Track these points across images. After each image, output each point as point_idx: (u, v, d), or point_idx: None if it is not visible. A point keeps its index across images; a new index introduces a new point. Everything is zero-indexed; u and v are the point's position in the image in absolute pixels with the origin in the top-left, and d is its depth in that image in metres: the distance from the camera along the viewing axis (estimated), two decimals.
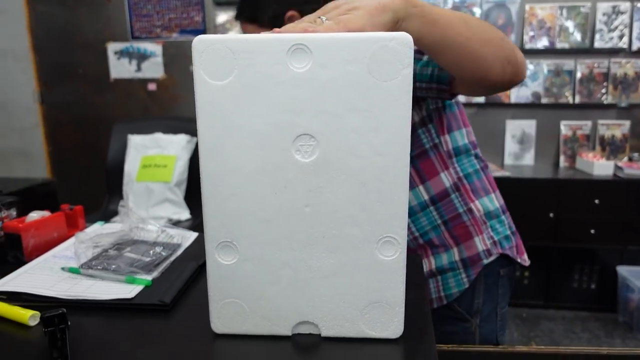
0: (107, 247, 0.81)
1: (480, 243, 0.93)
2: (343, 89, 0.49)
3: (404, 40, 0.48)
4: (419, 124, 0.92)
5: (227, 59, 0.50)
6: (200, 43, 0.50)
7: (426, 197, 0.93)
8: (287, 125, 0.51)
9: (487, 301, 0.95)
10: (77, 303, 0.67)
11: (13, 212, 0.86)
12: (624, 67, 2.62)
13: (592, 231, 2.43)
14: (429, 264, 0.95)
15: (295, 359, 0.56)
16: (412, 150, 0.93)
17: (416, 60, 0.83)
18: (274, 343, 0.58)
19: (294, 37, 0.49)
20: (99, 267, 0.74)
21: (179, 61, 3.01)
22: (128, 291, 0.69)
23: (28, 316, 0.62)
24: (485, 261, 0.92)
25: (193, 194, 2.27)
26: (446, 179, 0.93)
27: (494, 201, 0.97)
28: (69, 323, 0.55)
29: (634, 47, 2.58)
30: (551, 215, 2.44)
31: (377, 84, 0.49)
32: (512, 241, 0.98)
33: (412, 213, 0.93)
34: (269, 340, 0.59)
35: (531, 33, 2.62)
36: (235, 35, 0.51)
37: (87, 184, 3.15)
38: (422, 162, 0.93)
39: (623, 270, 2.40)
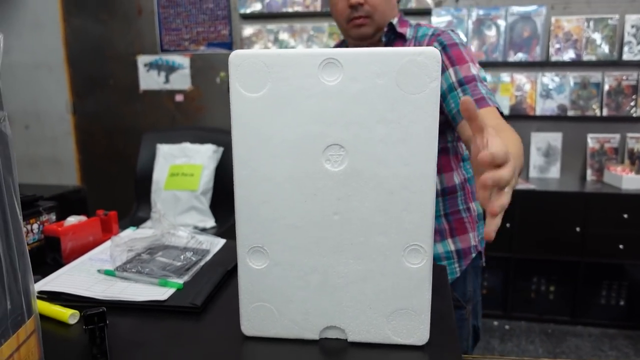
0: (141, 251, 0.85)
1: (473, 239, 1.05)
2: (372, 101, 0.51)
3: (431, 55, 0.50)
4: (445, 123, 0.98)
5: (261, 73, 0.53)
6: (236, 58, 0.53)
7: (438, 187, 1.01)
8: (317, 136, 0.53)
9: (475, 289, 1.07)
10: (113, 304, 0.70)
11: (53, 217, 0.90)
12: None
13: (621, 246, 2.37)
14: None
15: None
16: (449, 142, 1.05)
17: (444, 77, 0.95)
18: (302, 347, 0.60)
19: (325, 51, 0.51)
20: (133, 270, 0.77)
21: (205, 73, 3.08)
22: (161, 293, 0.71)
23: (68, 315, 0.65)
24: (473, 255, 1.06)
25: (218, 202, 2.31)
26: (456, 177, 1.04)
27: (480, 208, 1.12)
28: (107, 322, 0.58)
29: None
30: (578, 229, 2.40)
31: (405, 97, 0.51)
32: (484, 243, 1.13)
33: None
34: (296, 343, 0.60)
35: (557, 45, 2.60)
36: (269, 50, 0.53)
37: (115, 191, 3.23)
38: (442, 156, 1.03)
39: None
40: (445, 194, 1.03)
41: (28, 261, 0.47)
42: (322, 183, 0.54)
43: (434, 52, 0.50)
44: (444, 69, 0.94)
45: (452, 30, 1.01)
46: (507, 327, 2.50)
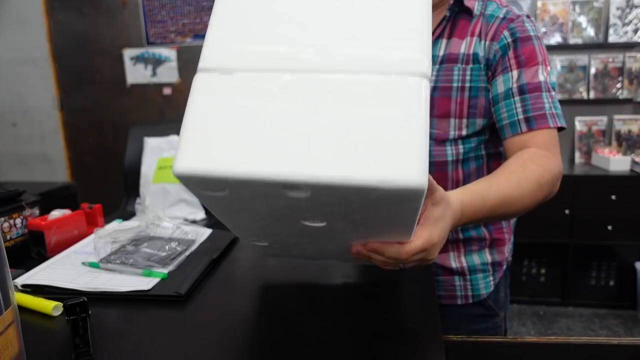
0: (125, 243, 0.85)
1: (508, 250, 0.99)
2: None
3: (411, 192, 0.43)
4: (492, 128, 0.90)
5: (219, 185, 0.46)
6: (182, 178, 0.45)
7: None
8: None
9: (506, 294, 1.02)
10: (97, 295, 0.70)
11: (36, 211, 0.90)
12: (639, 61, 2.58)
13: (609, 227, 2.40)
14: (458, 261, 0.94)
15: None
16: (489, 147, 0.92)
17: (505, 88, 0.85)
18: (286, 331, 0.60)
19: (289, 175, 0.43)
20: (117, 262, 0.77)
21: (193, 65, 3.03)
22: (145, 283, 0.72)
23: (51, 307, 0.66)
24: (505, 267, 1.00)
25: None
26: None
27: None
28: (90, 312, 0.58)
29: None
30: (567, 212, 2.42)
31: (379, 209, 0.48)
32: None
33: None
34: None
35: (543, 29, 2.61)
36: (222, 169, 0.44)
37: (106, 186, 3.22)
38: (493, 160, 0.93)
39: None
40: None
41: (4, 254, 0.47)
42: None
43: (414, 189, 0.42)
44: (506, 68, 0.84)
45: (528, 17, 0.87)
46: None
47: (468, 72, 0.86)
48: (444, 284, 0.95)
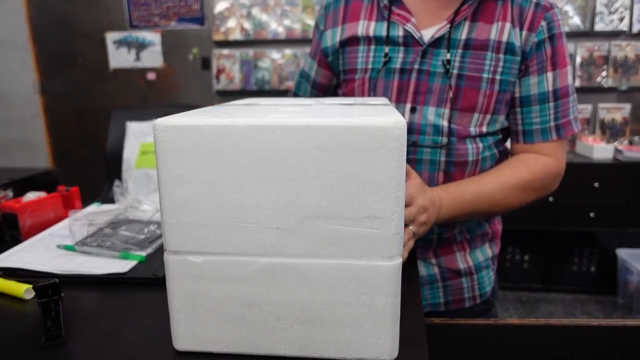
0: (103, 226, 0.83)
1: (499, 241, 0.99)
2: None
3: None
4: (505, 130, 0.87)
5: None
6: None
7: None
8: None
9: (496, 280, 1.00)
10: (72, 278, 0.69)
11: (10, 193, 0.87)
12: (624, 49, 2.60)
13: (592, 214, 2.43)
14: (465, 261, 0.91)
15: None
16: (499, 145, 0.87)
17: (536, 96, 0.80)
18: None
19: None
20: (93, 244, 0.75)
21: (177, 50, 3.01)
22: (122, 266, 0.70)
23: (23, 290, 0.64)
24: (497, 259, 0.99)
25: None
26: None
27: None
28: (63, 294, 0.56)
29: (635, 30, 2.55)
30: (550, 199, 2.45)
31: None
32: None
33: None
34: None
35: None
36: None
37: (88, 173, 3.16)
38: (504, 159, 0.90)
39: (622, 253, 2.40)
40: None
41: None
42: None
43: None
44: (543, 69, 0.78)
45: (556, 5, 0.80)
46: None
47: (501, 64, 0.78)
48: (452, 288, 0.91)
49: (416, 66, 0.80)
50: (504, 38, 0.77)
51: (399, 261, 0.46)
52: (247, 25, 2.85)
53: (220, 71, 2.93)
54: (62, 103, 3.20)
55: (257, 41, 2.89)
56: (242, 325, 0.49)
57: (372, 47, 0.84)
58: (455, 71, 0.78)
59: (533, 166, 0.81)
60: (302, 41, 2.87)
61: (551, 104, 0.80)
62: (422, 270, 0.89)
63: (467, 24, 0.78)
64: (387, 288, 0.46)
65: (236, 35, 2.86)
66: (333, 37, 0.88)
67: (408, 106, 0.82)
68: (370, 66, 0.84)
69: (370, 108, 0.54)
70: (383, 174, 0.43)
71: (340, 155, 0.43)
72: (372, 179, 0.43)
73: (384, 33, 0.82)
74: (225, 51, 2.91)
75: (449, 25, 0.78)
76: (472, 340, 0.83)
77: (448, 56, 0.78)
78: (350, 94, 0.90)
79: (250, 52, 2.89)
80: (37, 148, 3.28)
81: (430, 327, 0.81)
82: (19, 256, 0.74)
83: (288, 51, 2.87)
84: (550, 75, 0.79)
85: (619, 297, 2.47)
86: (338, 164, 0.43)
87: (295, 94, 1.03)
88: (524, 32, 0.77)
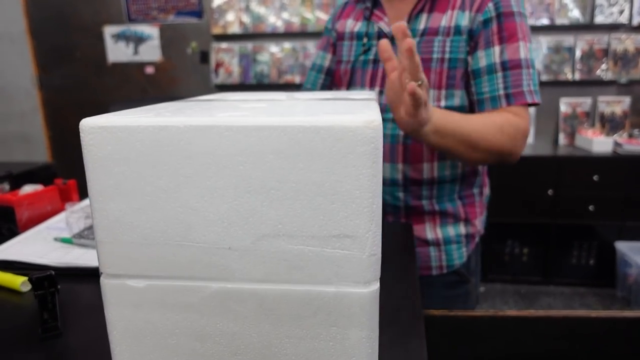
0: None
1: (480, 223, 1.02)
2: None
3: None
4: (468, 107, 0.93)
5: None
6: None
7: (460, 170, 0.96)
8: None
9: (477, 262, 1.06)
10: (69, 271, 0.68)
11: (6, 186, 0.87)
12: (624, 42, 2.59)
13: (591, 208, 2.43)
14: (434, 232, 0.97)
15: None
16: None
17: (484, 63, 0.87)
18: None
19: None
20: (90, 237, 0.75)
21: (176, 44, 2.99)
22: None
23: (19, 282, 0.63)
24: (477, 239, 1.03)
25: None
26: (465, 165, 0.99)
27: (489, 192, 1.08)
28: (59, 287, 0.56)
29: (635, 22, 2.54)
30: (550, 192, 2.44)
31: None
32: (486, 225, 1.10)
33: (444, 180, 0.95)
34: None
35: (530, 10, 2.59)
36: None
37: None
38: None
39: (621, 245, 2.41)
40: (465, 177, 0.97)
41: None
42: None
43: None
44: (489, 43, 0.86)
45: None
46: (482, 289, 2.56)
47: (448, 44, 0.89)
48: (420, 255, 0.98)
49: None
50: (452, 23, 0.89)
51: (375, 287, 0.39)
52: (246, 18, 2.83)
53: (219, 65, 2.92)
54: (60, 97, 3.19)
55: (255, 35, 2.88)
56: None
57: (354, 42, 1.00)
58: None
59: (501, 115, 0.86)
60: (300, 35, 2.85)
61: (499, 74, 0.86)
62: None
63: (424, 15, 0.91)
64: (361, 319, 0.40)
65: (235, 29, 2.85)
66: (333, 34, 1.07)
67: (376, 89, 0.95)
68: (352, 58, 1.00)
69: (346, 104, 0.48)
70: (354, 184, 0.36)
71: (302, 161, 0.36)
72: (340, 190, 0.37)
73: (364, 30, 0.98)
74: (224, 45, 2.90)
75: (407, 18, 0.92)
76: (470, 332, 0.83)
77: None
78: (338, 83, 1.05)
79: (249, 45, 2.88)
80: (36, 142, 3.28)
81: (428, 319, 0.81)
82: (15, 249, 0.73)
83: (287, 45, 2.86)
84: (497, 48, 0.86)
85: (617, 290, 2.47)
86: (300, 173, 0.37)
87: (305, 88, 1.13)
88: (472, 14, 0.88)
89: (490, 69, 0.87)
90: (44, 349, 0.52)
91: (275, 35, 2.87)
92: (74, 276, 0.68)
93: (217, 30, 2.86)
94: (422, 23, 0.91)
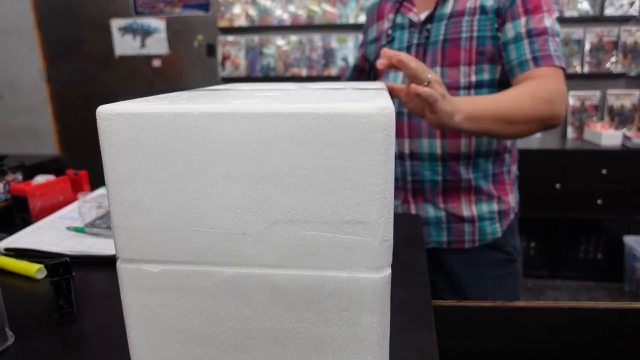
0: None
1: (511, 201, 1.06)
2: None
3: None
4: (504, 74, 0.96)
5: None
6: None
7: (496, 147, 1.00)
8: None
9: (517, 242, 1.10)
10: (83, 259, 0.69)
11: (19, 176, 0.88)
12: (634, 35, 2.56)
13: (599, 201, 2.42)
14: (469, 210, 1.02)
15: None
16: None
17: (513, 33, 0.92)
18: None
19: None
20: (103, 226, 0.76)
21: (183, 37, 3.00)
22: None
23: (35, 269, 0.64)
24: (512, 216, 1.06)
25: None
26: (500, 142, 1.03)
27: (517, 172, 1.12)
28: (74, 274, 0.57)
29: None
30: (558, 186, 2.43)
31: None
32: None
33: (479, 155, 0.99)
34: None
35: None
36: None
37: (96, 160, 3.17)
38: None
39: (630, 240, 2.39)
40: (498, 154, 1.01)
41: None
42: None
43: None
44: (515, 16, 0.91)
45: None
46: None
47: (475, 23, 0.94)
48: (455, 231, 1.03)
49: (414, 41, 1.00)
50: (477, 3, 0.94)
51: (387, 273, 0.40)
52: (252, 11, 2.83)
53: (225, 58, 2.92)
54: (68, 90, 3.21)
55: (262, 27, 2.87)
56: (207, 344, 0.44)
57: (384, 36, 1.06)
58: (440, 37, 0.96)
59: (530, 83, 0.88)
60: (307, 27, 2.85)
61: (525, 41, 0.90)
62: (431, 212, 1.03)
63: (450, 1, 0.97)
64: (373, 304, 0.40)
65: (241, 22, 2.84)
66: (370, 34, 1.13)
67: None
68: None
69: (358, 92, 0.48)
70: (367, 170, 0.37)
71: (316, 148, 0.37)
72: (353, 176, 0.37)
73: (393, 21, 1.05)
74: (231, 38, 2.90)
75: (434, 6, 0.98)
76: (479, 322, 0.83)
77: (429, 27, 0.98)
78: (377, 75, 1.11)
79: (256, 38, 2.88)
80: (45, 135, 3.30)
81: (437, 309, 0.81)
82: (29, 238, 0.75)
83: (293, 37, 2.85)
84: (523, 19, 0.91)
85: (625, 284, 2.47)
86: (313, 159, 0.37)
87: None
88: None
89: (517, 38, 0.91)
90: (61, 334, 0.53)
91: (281, 28, 2.87)
92: (87, 264, 0.69)
93: (223, 23, 2.86)
94: (448, 7, 0.96)
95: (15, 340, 0.51)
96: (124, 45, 3.07)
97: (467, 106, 0.78)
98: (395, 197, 1.05)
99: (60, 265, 0.56)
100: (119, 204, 0.40)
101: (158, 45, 3.04)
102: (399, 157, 1.03)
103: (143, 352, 0.45)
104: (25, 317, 0.57)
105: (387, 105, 0.36)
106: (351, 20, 2.76)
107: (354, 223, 0.38)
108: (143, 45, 3.05)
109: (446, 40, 0.96)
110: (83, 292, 0.61)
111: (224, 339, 0.43)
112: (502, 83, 0.97)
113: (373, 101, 0.37)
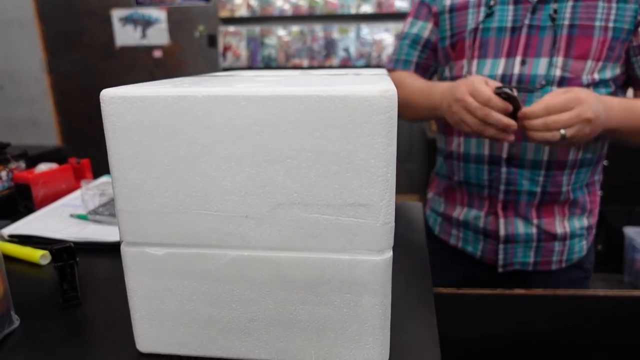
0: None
1: (597, 212, 0.98)
2: None
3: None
4: (624, 81, 0.86)
5: None
6: None
7: (599, 153, 0.91)
8: None
9: (593, 260, 1.01)
10: (86, 245, 0.70)
11: (22, 164, 0.88)
12: None
13: (600, 193, 2.41)
14: (563, 226, 0.91)
15: None
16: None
17: None
18: None
19: None
20: (106, 213, 0.76)
21: (183, 27, 2.99)
22: None
23: (39, 255, 0.65)
24: (594, 231, 0.98)
25: None
26: (605, 146, 0.93)
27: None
28: (78, 260, 0.58)
29: None
30: None
31: None
32: None
33: (586, 163, 0.88)
34: None
35: None
36: None
37: (97, 151, 3.18)
38: None
39: (630, 231, 2.40)
40: (593, 162, 0.90)
41: None
42: None
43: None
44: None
45: None
46: None
47: (613, 12, 0.78)
48: (544, 250, 0.92)
49: (526, 22, 0.82)
50: None
51: (388, 255, 0.40)
52: (253, 1, 2.82)
53: (226, 48, 2.91)
54: (69, 81, 3.21)
55: (263, 18, 2.86)
56: (211, 325, 0.44)
57: (482, 8, 0.86)
58: (566, 22, 0.79)
59: None
60: (308, 18, 2.84)
61: None
62: (521, 228, 0.90)
63: None
64: (374, 287, 0.41)
65: (242, 12, 2.83)
66: (442, 2, 0.91)
67: (518, 59, 0.83)
68: (481, 26, 0.86)
69: (361, 77, 0.48)
70: (369, 153, 0.37)
71: (318, 131, 0.37)
72: (355, 159, 0.37)
73: None
74: (232, 28, 2.89)
75: None
76: (479, 310, 0.84)
77: (555, 6, 0.80)
78: (460, 56, 0.89)
79: (257, 29, 2.87)
80: (46, 126, 3.30)
81: (437, 297, 0.82)
82: (33, 225, 0.75)
83: (295, 28, 2.84)
84: None
85: (625, 276, 2.47)
86: (316, 142, 0.37)
87: (398, 60, 1.00)
88: None
89: None
90: (65, 317, 0.54)
91: (283, 19, 2.86)
92: (90, 250, 0.69)
93: (224, 14, 2.85)
94: None
95: (20, 324, 0.52)
96: (125, 35, 3.06)
97: (604, 123, 0.73)
98: (478, 206, 0.93)
99: (64, 250, 0.56)
100: (123, 187, 0.41)
101: (159, 35, 3.03)
102: (491, 161, 0.87)
103: (147, 334, 0.46)
104: (30, 302, 0.58)
105: (389, 88, 0.36)
106: (353, 11, 2.74)
107: (356, 205, 0.38)
108: (144, 35, 3.04)
109: (574, 27, 0.79)
110: (86, 278, 0.62)
111: (227, 321, 0.44)
112: (617, 81, 0.84)
113: (375, 84, 0.37)
